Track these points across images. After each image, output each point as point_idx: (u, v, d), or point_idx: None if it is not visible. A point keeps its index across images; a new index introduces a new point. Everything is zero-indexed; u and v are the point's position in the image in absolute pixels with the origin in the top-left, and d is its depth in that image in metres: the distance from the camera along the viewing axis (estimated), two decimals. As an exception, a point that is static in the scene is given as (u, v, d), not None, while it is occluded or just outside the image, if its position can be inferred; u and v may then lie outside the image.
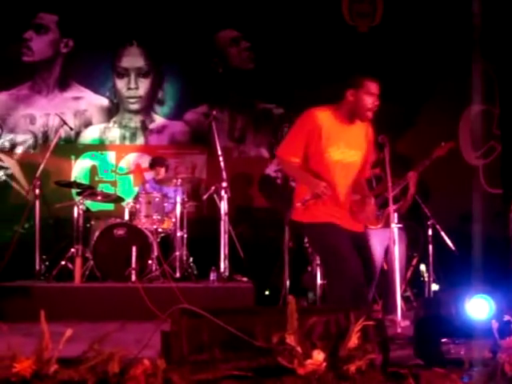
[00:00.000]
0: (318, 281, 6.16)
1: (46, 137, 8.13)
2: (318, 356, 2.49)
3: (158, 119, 8.31)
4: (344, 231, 3.82)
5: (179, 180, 7.00)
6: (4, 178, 8.10)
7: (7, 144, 8.15)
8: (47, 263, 6.93)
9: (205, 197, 7.28)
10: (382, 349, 2.70)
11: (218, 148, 6.91)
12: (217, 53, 8.25)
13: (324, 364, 2.49)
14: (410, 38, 8.10)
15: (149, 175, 7.64)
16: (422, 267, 6.79)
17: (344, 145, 3.88)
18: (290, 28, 8.10)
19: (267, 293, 7.11)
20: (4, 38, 8.01)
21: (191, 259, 6.95)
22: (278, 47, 8.10)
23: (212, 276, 6.53)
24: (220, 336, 2.48)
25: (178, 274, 6.64)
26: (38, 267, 6.75)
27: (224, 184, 6.71)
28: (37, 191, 6.89)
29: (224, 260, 6.65)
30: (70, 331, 2.30)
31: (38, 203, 6.91)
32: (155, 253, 6.69)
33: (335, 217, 3.83)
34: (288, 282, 6.68)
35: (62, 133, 7.67)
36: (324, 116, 3.88)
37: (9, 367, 2.22)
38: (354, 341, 2.59)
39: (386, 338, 2.83)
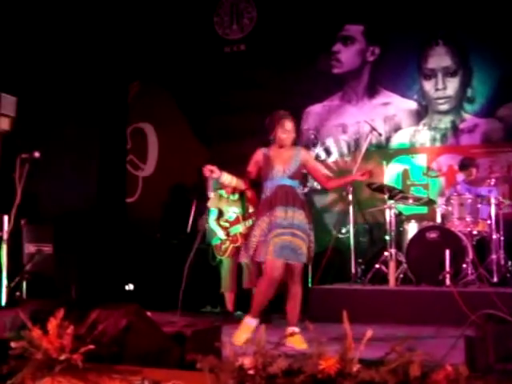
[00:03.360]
0: None
1: (357, 144, 8.37)
2: None
3: (469, 118, 8.01)
4: None
5: (493, 180, 6.67)
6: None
7: (322, 153, 8.59)
8: (363, 267, 7.14)
9: (523, 196, 6.84)
10: None
11: (535, 143, 6.44)
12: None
13: None
14: None
15: (460, 176, 7.40)
16: None
17: None
18: None
19: None
20: (315, 52, 8.51)
21: (510, 263, 6.56)
22: None
23: (533, 281, 6.10)
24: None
25: (495, 279, 6.32)
26: (353, 270, 6.99)
27: (542, 182, 6.24)
28: (350, 197, 7.13)
29: (547, 264, 6.16)
30: (371, 332, 2.34)
31: (351, 208, 7.15)
32: (470, 256, 6.46)
33: None
34: None
35: (373, 139, 7.84)
36: None
37: (316, 364, 2.32)
38: None
39: None
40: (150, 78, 9.51)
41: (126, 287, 8.02)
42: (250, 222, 6.27)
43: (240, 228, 6.47)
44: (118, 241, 8.76)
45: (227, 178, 4.82)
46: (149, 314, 4.13)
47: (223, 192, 6.60)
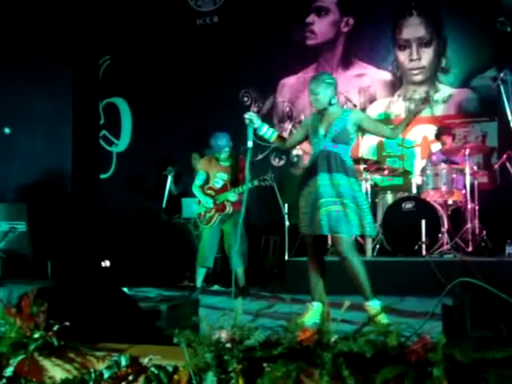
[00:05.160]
0: None
1: (332, 116, 8.33)
2: None
3: (444, 88, 8.01)
4: None
5: (467, 150, 6.70)
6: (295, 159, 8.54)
7: (298, 126, 8.55)
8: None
9: (496, 166, 6.88)
10: None
11: (509, 113, 6.45)
12: (503, 11, 7.67)
13: None
14: None
15: (435, 147, 7.42)
16: None
17: None
18: None
19: None
20: (288, 24, 8.43)
21: (484, 232, 6.62)
22: None
23: (508, 249, 6.16)
24: (507, 312, 2.31)
25: (470, 248, 6.38)
26: (330, 242, 6.95)
27: (516, 151, 6.28)
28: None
29: (521, 232, 6.22)
30: (348, 303, 2.32)
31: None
32: (445, 226, 6.51)
33: None
34: None
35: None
36: None
37: (294, 336, 2.30)
38: None
39: None
40: (122, 51, 9.37)
41: (103, 264, 7.97)
42: (240, 190, 5.90)
43: (229, 196, 6.00)
44: (93, 217, 8.69)
45: (268, 131, 4.43)
46: (125, 289, 4.09)
47: (219, 155, 6.09)
